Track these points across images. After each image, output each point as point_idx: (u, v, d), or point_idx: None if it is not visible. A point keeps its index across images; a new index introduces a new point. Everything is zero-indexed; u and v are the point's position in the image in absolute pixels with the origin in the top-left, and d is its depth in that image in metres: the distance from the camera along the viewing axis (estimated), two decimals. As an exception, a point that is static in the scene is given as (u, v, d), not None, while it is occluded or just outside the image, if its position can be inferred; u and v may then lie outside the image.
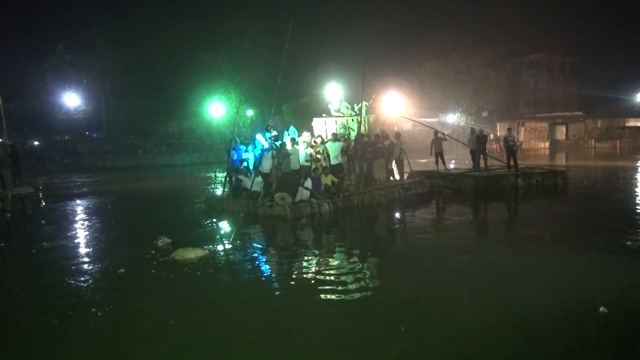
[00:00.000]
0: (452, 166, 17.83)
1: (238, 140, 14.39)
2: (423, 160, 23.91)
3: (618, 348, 4.53)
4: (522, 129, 47.96)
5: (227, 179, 13.68)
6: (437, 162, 17.19)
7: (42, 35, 44.99)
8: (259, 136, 13.45)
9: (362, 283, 6.59)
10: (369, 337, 4.89)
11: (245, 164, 13.41)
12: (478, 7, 68.29)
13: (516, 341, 4.66)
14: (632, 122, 48.15)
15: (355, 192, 12.86)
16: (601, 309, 5.18)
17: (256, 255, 8.60)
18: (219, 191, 14.82)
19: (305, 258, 8.12)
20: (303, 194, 11.74)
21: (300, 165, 12.63)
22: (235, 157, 13.40)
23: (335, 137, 13.68)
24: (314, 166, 12.69)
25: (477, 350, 4.49)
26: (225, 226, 11.23)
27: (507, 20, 70.92)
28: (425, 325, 5.09)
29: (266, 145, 12.80)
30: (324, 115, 16.26)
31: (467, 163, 20.27)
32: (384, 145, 14.74)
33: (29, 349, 4.92)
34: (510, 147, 16.31)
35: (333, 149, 13.22)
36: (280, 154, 12.34)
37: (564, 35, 63.30)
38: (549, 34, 64.37)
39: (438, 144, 17.14)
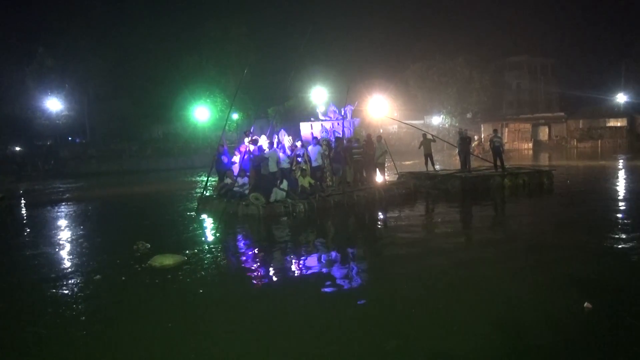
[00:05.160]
0: (438, 167, 17.95)
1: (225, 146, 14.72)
2: (408, 162, 24.11)
3: (602, 341, 4.61)
4: (506, 130, 48.53)
5: (216, 180, 14.27)
6: (426, 163, 17.32)
7: (23, 39, 44.18)
8: (245, 140, 13.79)
9: (342, 280, 6.71)
10: (362, 333, 4.93)
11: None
12: (461, 10, 69.11)
13: (503, 338, 4.71)
14: (612, 122, 49.11)
15: (333, 193, 13.22)
16: (585, 304, 5.27)
17: (229, 259, 8.57)
18: (207, 192, 15.08)
19: (276, 257, 8.30)
20: (278, 194, 12.29)
21: (279, 168, 13.00)
22: (225, 161, 13.91)
23: (317, 141, 14.08)
24: (294, 168, 13.14)
25: (466, 345, 4.53)
26: (204, 229, 11.59)
27: (489, 23, 72.00)
28: (413, 322, 5.11)
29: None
30: (312, 119, 16.35)
31: (449, 164, 20.44)
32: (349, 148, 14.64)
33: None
34: (497, 148, 16.47)
35: (313, 152, 13.74)
36: (257, 157, 12.86)
37: (544, 37, 64.40)
38: (530, 36, 65.43)
39: (427, 145, 17.27)
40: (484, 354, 4.43)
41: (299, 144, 14.23)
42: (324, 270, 7.30)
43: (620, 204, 12.59)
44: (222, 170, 14.03)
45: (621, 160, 27.17)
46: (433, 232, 10.40)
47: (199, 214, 12.99)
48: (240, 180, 12.99)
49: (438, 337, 4.79)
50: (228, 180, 13.52)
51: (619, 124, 48.46)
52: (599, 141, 45.00)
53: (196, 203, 14.08)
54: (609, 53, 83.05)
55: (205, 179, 16.53)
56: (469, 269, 7.01)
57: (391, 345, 4.57)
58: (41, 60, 39.37)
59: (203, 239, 10.38)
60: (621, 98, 49.03)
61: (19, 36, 45.74)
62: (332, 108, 15.97)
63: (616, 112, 49.25)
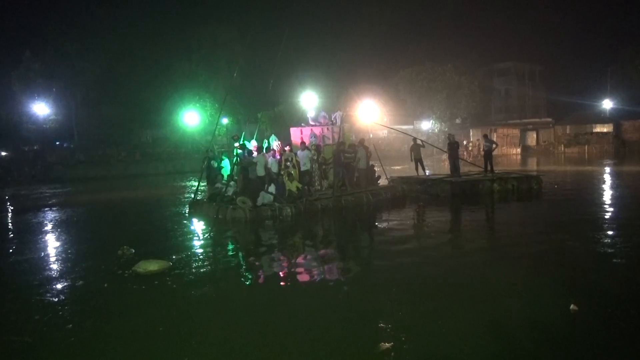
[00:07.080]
0: (428, 172, 18.05)
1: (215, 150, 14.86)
2: (397, 167, 24.18)
3: (588, 343, 4.64)
4: (495, 135, 48.93)
5: (207, 185, 14.44)
6: (416, 168, 17.41)
7: (8, 43, 43.68)
8: (237, 146, 13.99)
9: (330, 283, 6.79)
10: (351, 336, 4.92)
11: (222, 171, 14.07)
12: (450, 16, 69.80)
13: (491, 340, 4.72)
14: (599, 128, 49.76)
15: (320, 197, 13.33)
16: (572, 306, 5.31)
17: (216, 263, 8.44)
18: (199, 196, 15.09)
19: (262, 262, 8.27)
20: (265, 198, 12.44)
21: (266, 172, 13.09)
22: (215, 165, 14.11)
23: (305, 146, 14.16)
24: (282, 172, 13.26)
25: (455, 347, 4.54)
26: (191, 233, 11.57)
27: (478, 30, 72.77)
28: (402, 324, 5.10)
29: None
30: (302, 124, 16.36)
31: (438, 169, 20.53)
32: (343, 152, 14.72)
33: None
34: (486, 153, 16.67)
35: (302, 157, 13.91)
36: (246, 161, 12.97)
37: (532, 44, 65.22)
38: (518, 42, 66.25)
39: (417, 150, 17.38)
40: (473, 356, 4.43)
41: (287, 148, 14.32)
42: (310, 273, 7.28)
43: (606, 208, 12.72)
44: (212, 175, 14.09)
45: (607, 166, 27.50)
46: (421, 236, 10.43)
47: (190, 218, 13.01)
48: (230, 190, 12.99)
49: (427, 340, 4.78)
50: (218, 185, 13.56)
51: (605, 130, 49.11)
52: (586, 147, 45.56)
53: (186, 207, 14.05)
54: (596, 60, 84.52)
55: (196, 183, 16.45)
56: (457, 273, 7.02)
57: (381, 348, 4.55)
58: (28, 64, 38.85)
59: (189, 243, 10.29)
60: (607, 104, 49.70)
61: (4, 40, 45.28)
62: (322, 114, 16.01)
63: (602, 118, 49.90)
